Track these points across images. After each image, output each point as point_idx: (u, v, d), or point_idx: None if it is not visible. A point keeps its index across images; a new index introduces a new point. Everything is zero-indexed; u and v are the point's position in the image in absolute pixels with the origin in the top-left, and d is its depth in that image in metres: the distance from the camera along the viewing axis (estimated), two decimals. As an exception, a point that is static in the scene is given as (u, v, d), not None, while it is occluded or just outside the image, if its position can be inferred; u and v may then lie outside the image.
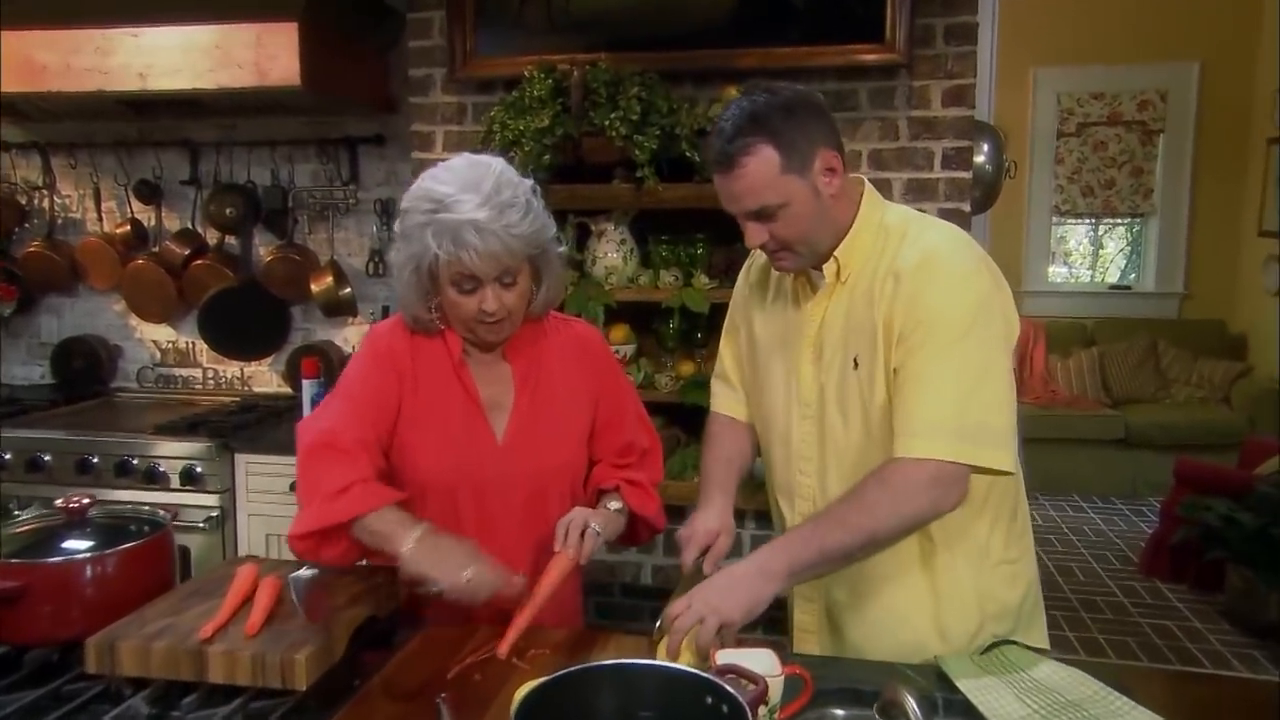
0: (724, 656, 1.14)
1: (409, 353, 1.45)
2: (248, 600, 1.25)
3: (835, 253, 1.34)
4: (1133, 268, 6.26)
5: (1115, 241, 6.32)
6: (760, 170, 1.25)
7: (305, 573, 1.32)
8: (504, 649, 1.29)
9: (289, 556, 2.61)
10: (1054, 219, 6.02)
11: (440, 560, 1.27)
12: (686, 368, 2.58)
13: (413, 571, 1.27)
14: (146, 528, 1.40)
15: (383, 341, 1.46)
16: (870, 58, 2.40)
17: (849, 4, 2.42)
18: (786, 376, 1.43)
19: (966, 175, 2.46)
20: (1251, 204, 5.64)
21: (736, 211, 1.31)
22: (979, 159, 2.61)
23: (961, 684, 1.23)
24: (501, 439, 1.46)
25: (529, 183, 1.40)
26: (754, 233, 1.31)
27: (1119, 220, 6.16)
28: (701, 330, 2.59)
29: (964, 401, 1.23)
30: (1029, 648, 1.31)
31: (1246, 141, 5.67)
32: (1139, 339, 5.65)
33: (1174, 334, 5.74)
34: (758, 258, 1.54)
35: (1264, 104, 5.48)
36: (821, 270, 1.36)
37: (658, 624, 1.25)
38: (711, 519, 1.42)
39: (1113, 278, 6.31)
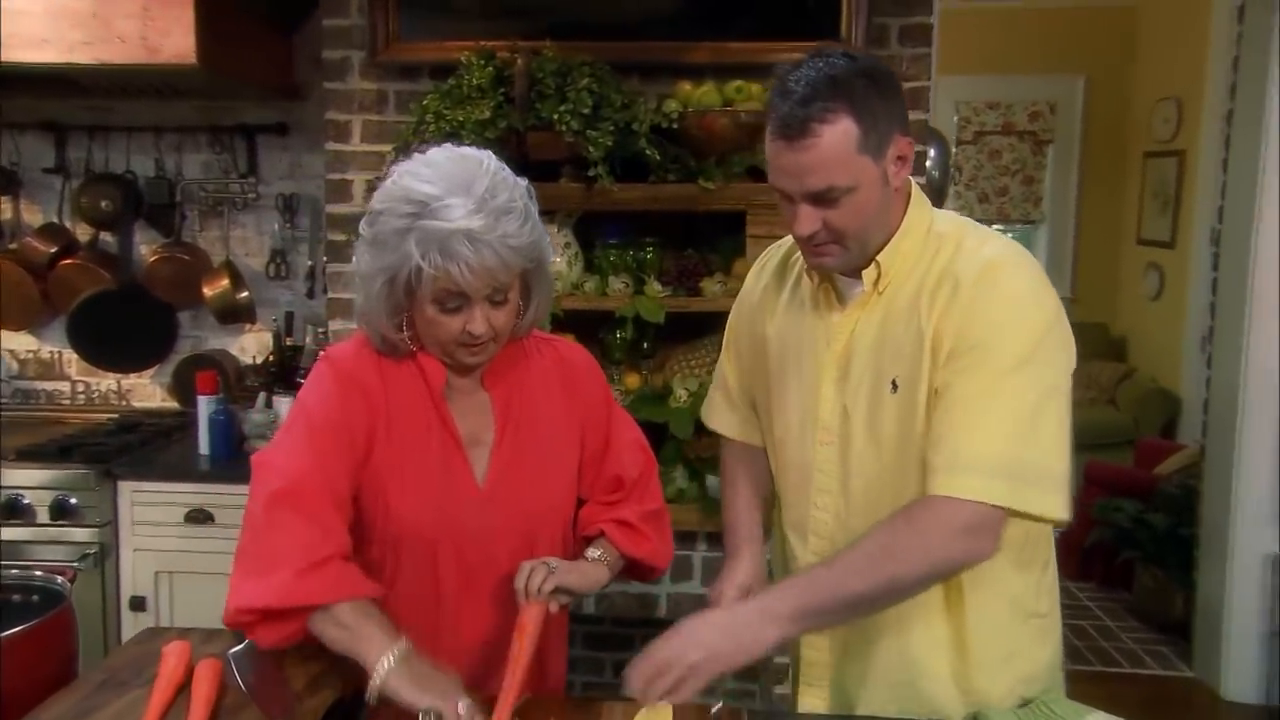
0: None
1: (379, 382, 1.23)
2: (180, 691, 1.01)
3: (878, 257, 1.18)
4: (1021, 273, 6.49)
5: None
6: (836, 144, 1.07)
7: (249, 648, 1.09)
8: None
9: (186, 600, 2.39)
10: (952, 225, 6.17)
11: (429, 687, 1.06)
12: (632, 380, 2.42)
13: (393, 696, 1.05)
14: (36, 597, 1.13)
15: (348, 365, 1.23)
16: (825, 57, 2.30)
17: (803, 0, 2.32)
18: (802, 396, 1.27)
19: (920, 180, 2.39)
20: (1131, 213, 5.92)
21: (794, 190, 1.12)
22: (926, 163, 2.55)
23: (1012, 743, 1.12)
24: (483, 482, 1.25)
25: (524, 183, 1.19)
26: (807, 219, 1.13)
27: (1012, 227, 6.37)
28: (649, 340, 2.43)
29: (1020, 438, 1.09)
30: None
31: (1126, 154, 5.94)
32: (1031, 342, 5.83)
33: (1063, 337, 5.96)
34: (771, 257, 1.39)
35: (1141, 119, 5.76)
36: (854, 276, 1.21)
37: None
38: (741, 576, 1.31)
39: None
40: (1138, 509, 3.70)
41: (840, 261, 1.18)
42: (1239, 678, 3.03)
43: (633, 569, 1.36)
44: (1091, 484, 4.12)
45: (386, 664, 1.05)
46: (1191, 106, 5.09)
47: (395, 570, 1.23)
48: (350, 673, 1.11)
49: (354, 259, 1.22)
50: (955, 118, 6.04)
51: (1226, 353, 3.05)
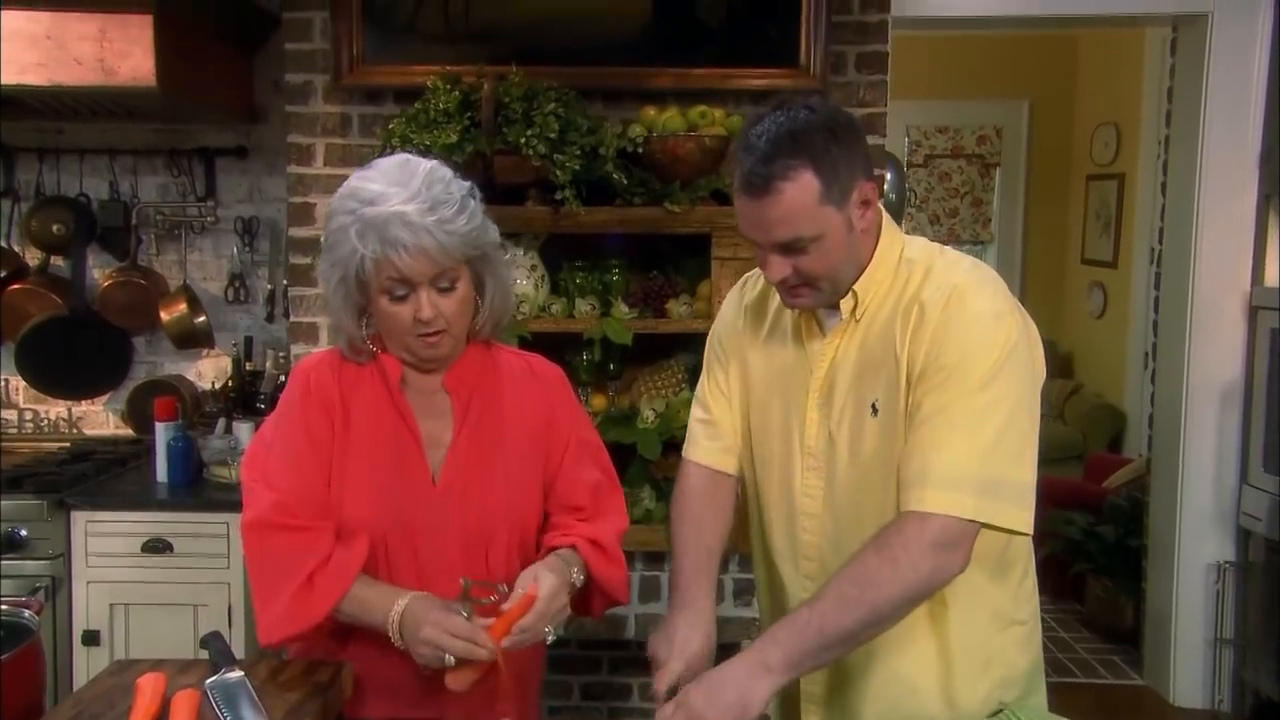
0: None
1: (335, 385, 1.29)
2: (157, 722, 0.99)
3: (854, 287, 1.22)
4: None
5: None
6: (798, 198, 1.11)
7: (228, 677, 1.08)
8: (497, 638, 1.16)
9: (142, 632, 2.33)
10: (904, 246, 6.31)
11: (411, 643, 1.17)
12: (599, 402, 2.44)
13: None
14: (1, 633, 1.11)
15: (311, 375, 1.30)
16: (785, 82, 2.36)
17: (764, 28, 2.38)
18: (786, 423, 1.29)
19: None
20: (1075, 234, 6.11)
21: (762, 241, 1.17)
22: (884, 186, 2.62)
23: (986, 752, 1.15)
24: (438, 479, 1.29)
25: (467, 183, 1.25)
26: (777, 267, 1.17)
27: (962, 247, 6.54)
28: (615, 362, 2.45)
29: (986, 453, 1.12)
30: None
31: (1069, 176, 6.14)
32: (981, 360, 5.96)
33: (1013, 355, 6.10)
34: (751, 286, 1.40)
35: (1082, 143, 5.96)
36: (831, 306, 1.24)
37: None
38: (695, 640, 1.21)
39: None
40: (1088, 522, 3.80)
41: (814, 301, 1.22)
42: (1187, 684, 3.12)
43: (583, 598, 1.34)
44: (1043, 498, 4.21)
45: (393, 632, 1.18)
46: (1129, 131, 5.29)
47: None
48: (331, 699, 1.11)
49: (317, 268, 1.27)
50: (906, 141, 6.19)
51: (1169, 369, 3.16)
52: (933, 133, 6.21)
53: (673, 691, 1.15)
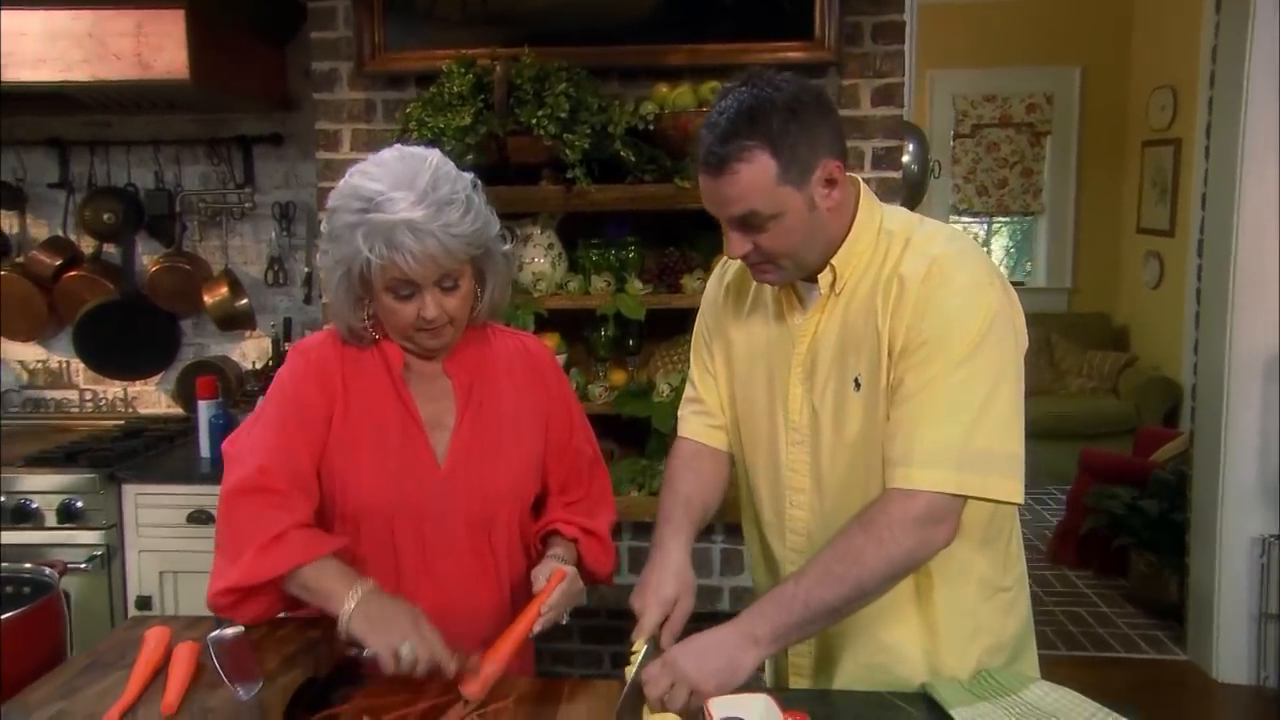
0: (718, 706, 1.04)
1: (339, 367, 1.32)
2: (159, 671, 1.08)
3: (832, 261, 1.23)
4: (1020, 267, 6.50)
5: (1000, 239, 6.56)
6: (753, 178, 1.12)
7: (227, 632, 1.16)
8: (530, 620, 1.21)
9: (189, 598, 2.46)
10: (952, 218, 6.19)
11: (378, 627, 1.14)
12: (618, 377, 2.47)
13: (349, 635, 1.15)
14: (27, 589, 1.20)
15: (312, 354, 1.32)
16: (800, 55, 2.35)
17: (777, 1, 2.37)
18: (771, 398, 1.31)
19: (896, 175, 2.44)
20: (1130, 202, 5.92)
21: (721, 217, 1.19)
22: (905, 158, 2.59)
23: (956, 713, 1.17)
24: (443, 462, 1.33)
25: (469, 176, 1.27)
26: (737, 243, 1.19)
27: (1012, 218, 6.39)
28: (633, 338, 2.48)
29: (970, 427, 1.12)
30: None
31: (1124, 143, 5.94)
32: (1033, 332, 5.74)
33: (1064, 327, 5.96)
34: (731, 264, 1.41)
35: (1138, 108, 5.76)
36: (809, 281, 1.25)
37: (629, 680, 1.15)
38: (667, 583, 1.24)
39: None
40: (1131, 495, 3.72)
41: (780, 277, 1.23)
42: (1230, 660, 3.06)
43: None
44: (1086, 471, 4.14)
45: (346, 609, 1.14)
46: (1187, 94, 5.09)
47: (356, 547, 1.30)
48: (323, 653, 1.18)
49: (317, 256, 1.29)
50: (953, 111, 6.06)
51: (1212, 339, 3.07)
52: (980, 101, 6.07)
53: (654, 643, 1.20)
